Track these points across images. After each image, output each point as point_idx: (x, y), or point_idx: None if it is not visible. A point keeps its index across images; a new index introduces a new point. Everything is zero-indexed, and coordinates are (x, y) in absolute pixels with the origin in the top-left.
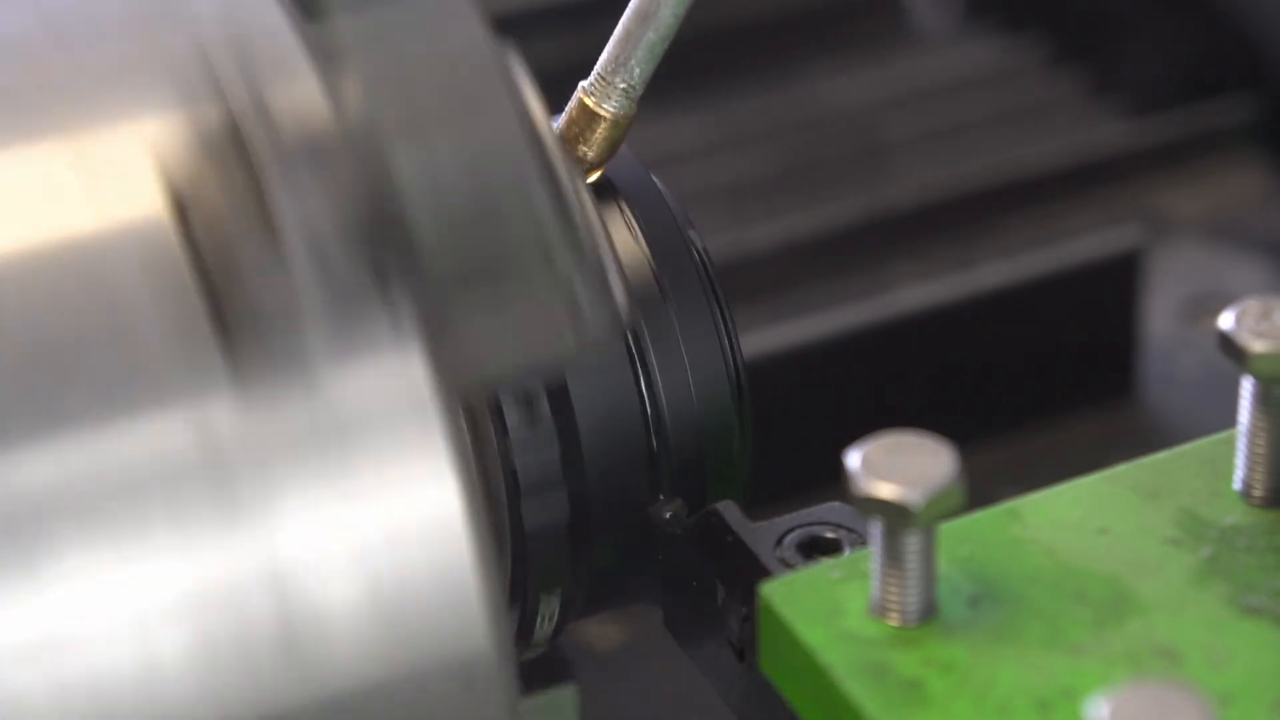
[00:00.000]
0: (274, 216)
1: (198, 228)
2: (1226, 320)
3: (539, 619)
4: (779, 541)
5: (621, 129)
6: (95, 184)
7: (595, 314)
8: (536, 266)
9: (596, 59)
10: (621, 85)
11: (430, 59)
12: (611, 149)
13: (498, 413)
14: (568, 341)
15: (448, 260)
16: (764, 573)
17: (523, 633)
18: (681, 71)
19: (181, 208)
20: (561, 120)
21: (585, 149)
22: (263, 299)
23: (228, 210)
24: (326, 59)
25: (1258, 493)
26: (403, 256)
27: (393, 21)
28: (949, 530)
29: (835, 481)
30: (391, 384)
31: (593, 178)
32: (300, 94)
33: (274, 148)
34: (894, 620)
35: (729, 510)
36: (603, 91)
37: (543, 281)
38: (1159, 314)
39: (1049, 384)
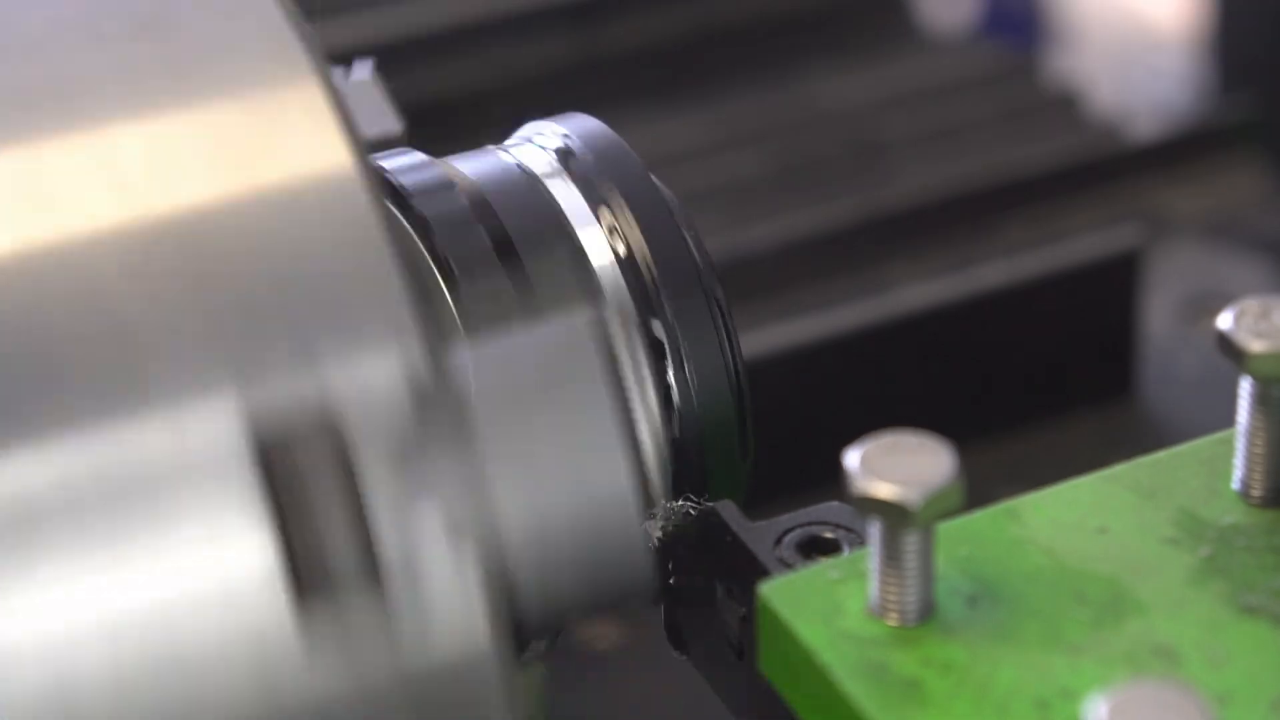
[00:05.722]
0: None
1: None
2: (1225, 320)
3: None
4: (778, 541)
5: None
6: None
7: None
8: None
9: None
10: None
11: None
12: None
13: None
14: None
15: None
16: (763, 572)
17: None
18: (681, 72)
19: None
20: None
21: None
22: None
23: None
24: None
25: (1256, 492)
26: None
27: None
28: (948, 530)
29: (834, 481)
30: None
31: None
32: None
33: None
34: (893, 620)
35: (728, 510)
36: None
37: None
38: (1158, 314)
39: (1048, 384)
